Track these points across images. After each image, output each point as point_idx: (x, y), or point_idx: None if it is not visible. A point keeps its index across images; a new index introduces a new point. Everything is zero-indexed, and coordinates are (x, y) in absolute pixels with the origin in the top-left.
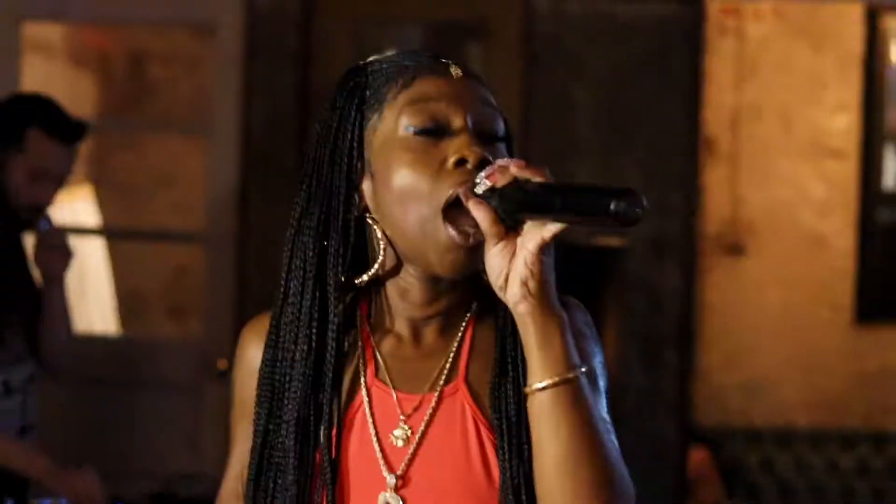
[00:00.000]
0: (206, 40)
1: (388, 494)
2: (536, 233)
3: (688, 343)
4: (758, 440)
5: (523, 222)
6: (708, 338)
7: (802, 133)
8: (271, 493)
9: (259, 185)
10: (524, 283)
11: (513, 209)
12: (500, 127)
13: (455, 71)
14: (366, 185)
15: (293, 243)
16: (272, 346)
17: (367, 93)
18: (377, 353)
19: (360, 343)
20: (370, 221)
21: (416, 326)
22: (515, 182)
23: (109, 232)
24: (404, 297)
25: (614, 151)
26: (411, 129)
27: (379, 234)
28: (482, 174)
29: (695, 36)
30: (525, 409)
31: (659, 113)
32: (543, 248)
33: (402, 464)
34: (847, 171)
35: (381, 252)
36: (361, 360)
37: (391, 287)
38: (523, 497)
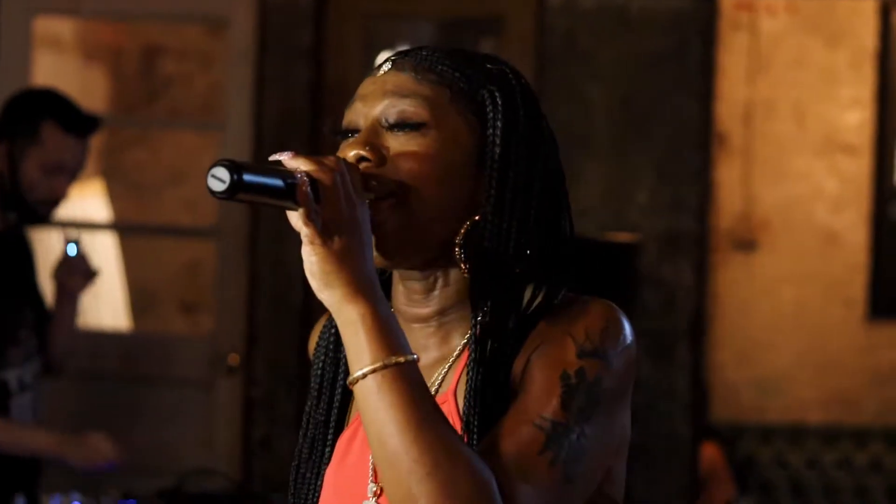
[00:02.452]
0: (219, 36)
1: (369, 503)
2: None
3: (700, 339)
4: (770, 437)
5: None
6: (721, 334)
7: (816, 129)
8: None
9: None
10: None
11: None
12: (409, 113)
13: (385, 68)
14: None
15: None
16: (324, 341)
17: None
18: None
19: None
20: None
21: (413, 328)
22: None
23: (121, 227)
24: (395, 295)
25: (627, 147)
26: (334, 133)
27: None
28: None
29: (708, 31)
30: (478, 426)
31: (672, 108)
32: (304, 237)
33: None
34: (860, 167)
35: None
36: None
37: (393, 284)
38: None
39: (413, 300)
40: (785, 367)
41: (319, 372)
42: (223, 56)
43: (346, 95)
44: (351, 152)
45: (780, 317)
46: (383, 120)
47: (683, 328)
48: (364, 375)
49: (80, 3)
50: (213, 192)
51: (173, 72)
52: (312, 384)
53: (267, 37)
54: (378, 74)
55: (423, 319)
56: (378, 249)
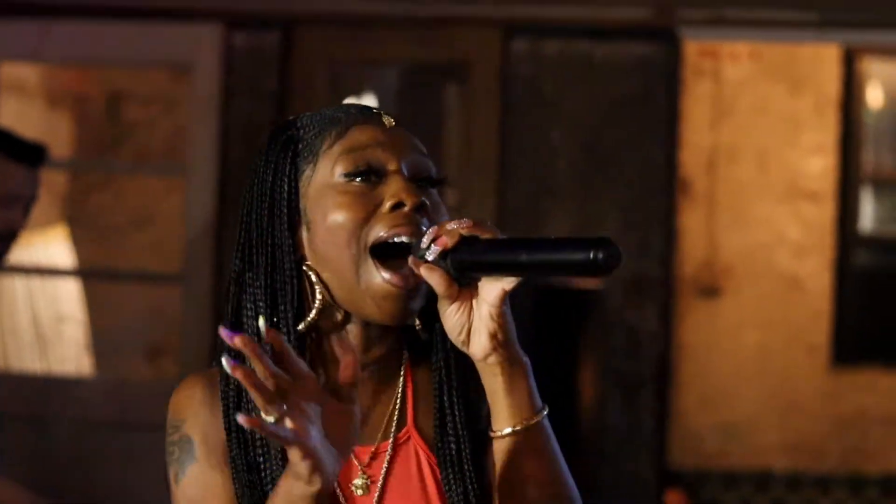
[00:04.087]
0: (183, 80)
1: None
2: (496, 286)
3: (665, 385)
4: (734, 483)
5: (477, 279)
6: (685, 379)
7: (779, 175)
8: None
9: (235, 224)
10: (493, 336)
11: (470, 270)
12: (433, 171)
13: (388, 120)
14: (303, 235)
15: (239, 298)
16: (228, 401)
17: (300, 146)
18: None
19: None
20: (305, 269)
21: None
22: (465, 242)
23: (85, 273)
24: (342, 345)
25: (592, 193)
26: (347, 176)
27: (315, 281)
28: (426, 240)
29: (672, 78)
30: (466, 448)
31: (636, 154)
32: (505, 300)
33: None
34: (824, 213)
35: (318, 301)
36: None
37: (330, 335)
38: None
39: (374, 344)
40: (749, 412)
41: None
42: (188, 101)
43: None
44: (417, 199)
45: (744, 363)
46: (411, 170)
47: (648, 373)
48: (540, 420)
49: (44, 50)
50: (608, 269)
51: (138, 117)
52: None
53: (232, 81)
54: (385, 125)
55: (372, 363)
56: (413, 308)
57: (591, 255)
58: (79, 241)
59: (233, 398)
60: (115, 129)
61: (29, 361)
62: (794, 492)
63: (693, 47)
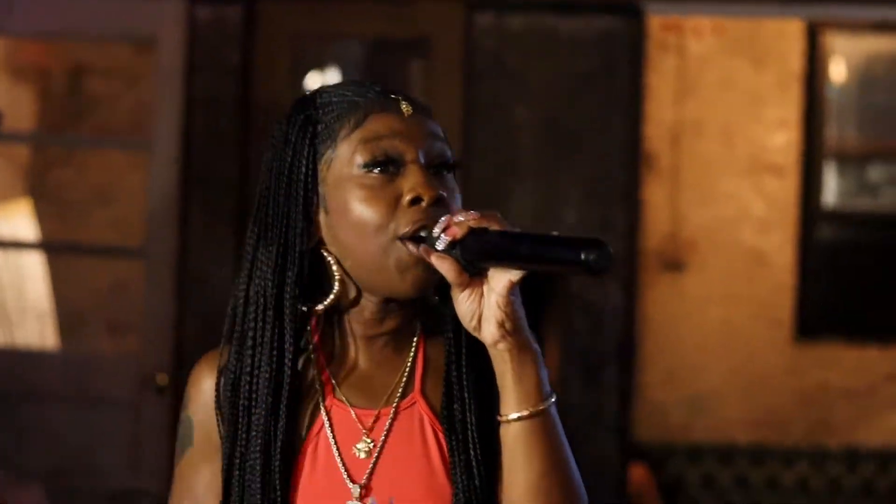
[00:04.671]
0: (146, 54)
1: (353, 503)
2: (503, 276)
3: (628, 360)
4: (699, 457)
5: (487, 268)
6: (648, 355)
7: (743, 150)
8: None
9: (199, 200)
10: (500, 324)
11: (477, 259)
12: (449, 156)
13: (406, 108)
14: (321, 218)
15: (251, 272)
16: (232, 375)
17: (319, 127)
18: (333, 375)
19: (314, 365)
20: (325, 253)
21: (367, 344)
22: (473, 233)
23: (48, 247)
24: (358, 318)
25: (556, 168)
26: (366, 167)
27: (334, 265)
28: (437, 229)
29: (636, 52)
30: (472, 414)
31: (600, 129)
32: (512, 290)
33: (365, 474)
34: (787, 188)
35: (337, 282)
36: (318, 382)
37: (345, 310)
38: (475, 499)
39: (388, 316)
40: (713, 387)
41: (245, 401)
42: (151, 75)
43: (274, 115)
44: (434, 193)
45: (708, 337)
46: (428, 158)
47: (611, 349)
48: (547, 408)
49: (6, 23)
50: (597, 270)
51: (101, 91)
52: (231, 420)
53: (195, 56)
54: (403, 113)
55: (385, 334)
56: (430, 279)
57: (582, 257)
58: (41, 216)
59: (228, 389)
60: (77, 102)
61: None
62: (758, 465)
63: (657, 22)
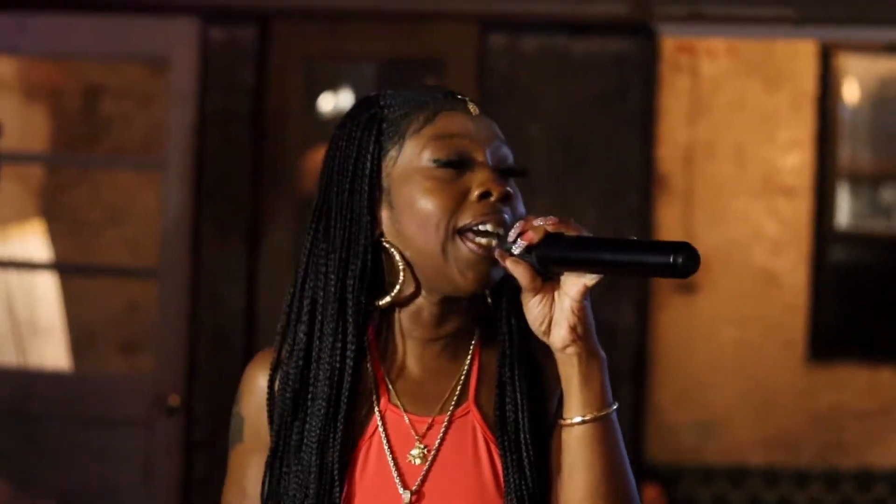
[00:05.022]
0: (160, 75)
1: None
2: (577, 281)
3: (641, 380)
4: (711, 478)
5: (560, 273)
6: (661, 375)
7: (756, 171)
8: None
9: (212, 220)
10: (573, 328)
11: (555, 265)
12: (513, 160)
13: (473, 109)
14: (384, 213)
15: (308, 268)
16: (285, 369)
17: (385, 124)
18: (387, 377)
19: (370, 366)
20: (387, 246)
21: (424, 349)
22: (550, 238)
23: (61, 267)
24: (416, 320)
25: (569, 188)
26: (437, 162)
27: (398, 259)
28: (512, 233)
29: (649, 73)
30: (525, 421)
31: (613, 150)
32: (586, 294)
33: (418, 480)
34: (800, 209)
35: (401, 275)
36: (373, 384)
37: (403, 309)
38: None
39: (447, 319)
40: (725, 408)
41: (290, 401)
42: (164, 95)
43: (287, 134)
44: (503, 189)
45: (721, 358)
46: (495, 160)
47: (624, 369)
48: (609, 414)
49: (21, 43)
50: (686, 273)
51: (114, 111)
52: (282, 414)
53: (208, 76)
54: (471, 113)
55: (441, 337)
56: (494, 276)
57: (672, 260)
58: (55, 236)
59: (281, 385)
60: (90, 123)
61: (5, 355)
62: (770, 487)
63: (670, 43)
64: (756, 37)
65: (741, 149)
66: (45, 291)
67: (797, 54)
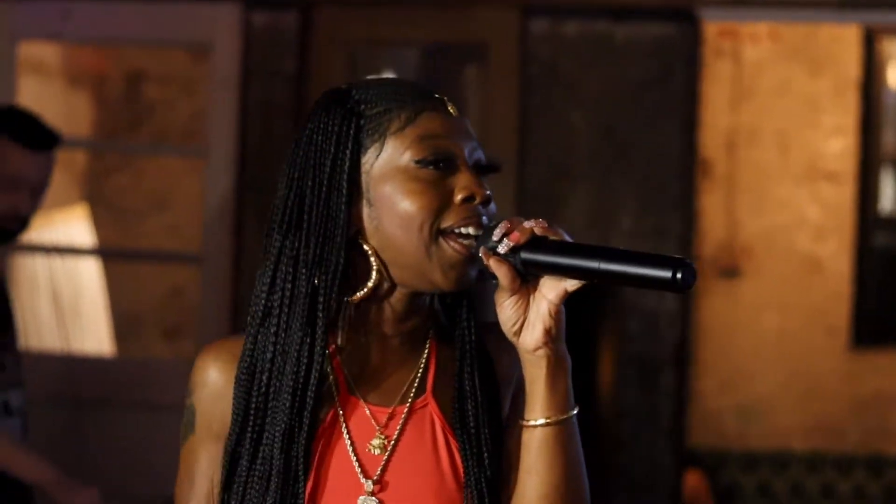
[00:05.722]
0: (202, 61)
1: (365, 498)
2: (558, 285)
3: (684, 366)
4: (754, 464)
5: (539, 276)
6: (704, 361)
7: (799, 156)
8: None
9: (254, 205)
10: (547, 331)
11: (538, 268)
12: (484, 159)
13: (452, 109)
14: (364, 210)
15: (278, 262)
16: (249, 361)
17: (363, 121)
18: (347, 368)
19: (328, 358)
20: (362, 243)
21: (385, 342)
22: (535, 240)
23: (105, 253)
24: (381, 314)
25: (611, 174)
26: (420, 163)
27: (372, 257)
28: (497, 233)
29: (692, 59)
30: (484, 423)
31: (655, 135)
32: (564, 299)
33: (378, 470)
34: (844, 194)
35: (374, 272)
36: (332, 376)
37: (368, 304)
38: (486, 499)
39: (411, 315)
40: (768, 394)
41: (262, 391)
42: (207, 81)
43: None
44: (485, 193)
45: (764, 344)
46: (472, 159)
47: (667, 355)
48: (571, 417)
49: (64, 29)
50: (684, 288)
51: (157, 97)
52: (242, 406)
53: (251, 62)
54: (449, 113)
55: (399, 333)
56: (473, 275)
57: (672, 275)
58: (98, 222)
59: (245, 376)
60: (134, 109)
61: (49, 340)
62: (813, 473)
63: (713, 28)
64: (799, 21)
65: (784, 134)
66: (89, 277)
67: (840, 39)
